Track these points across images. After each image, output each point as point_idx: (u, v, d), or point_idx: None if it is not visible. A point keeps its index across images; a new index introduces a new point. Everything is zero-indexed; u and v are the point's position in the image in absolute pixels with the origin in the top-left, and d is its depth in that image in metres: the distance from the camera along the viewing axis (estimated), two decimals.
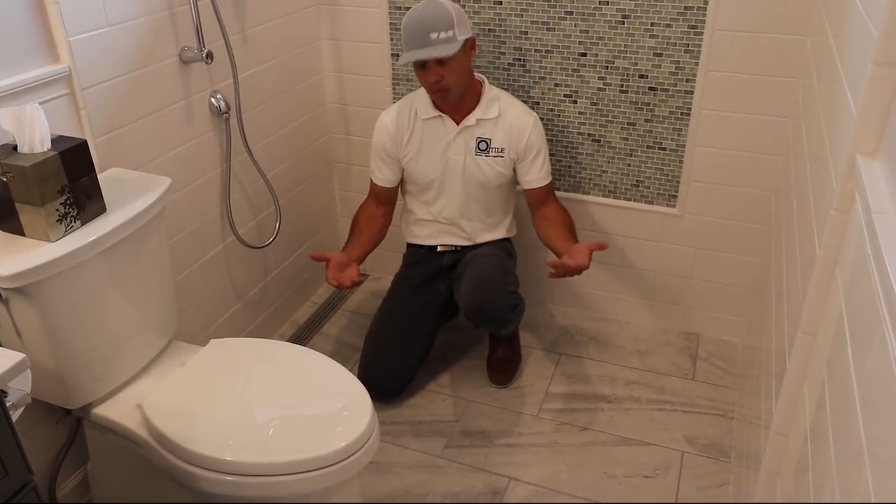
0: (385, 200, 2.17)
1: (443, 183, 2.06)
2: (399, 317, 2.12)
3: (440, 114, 2.00)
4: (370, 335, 2.13)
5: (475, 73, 2.01)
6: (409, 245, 2.24)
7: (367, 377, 1.96)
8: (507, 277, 2.03)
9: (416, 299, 2.14)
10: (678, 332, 2.39)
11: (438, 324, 2.21)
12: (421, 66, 1.88)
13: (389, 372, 2.08)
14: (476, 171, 2.03)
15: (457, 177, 2.04)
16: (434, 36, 1.82)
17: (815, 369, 1.10)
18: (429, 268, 2.17)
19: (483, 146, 2.00)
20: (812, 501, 0.96)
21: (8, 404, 0.96)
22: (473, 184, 2.05)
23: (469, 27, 1.89)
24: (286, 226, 2.33)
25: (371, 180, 2.15)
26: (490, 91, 2.01)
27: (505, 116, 1.99)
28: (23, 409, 1.02)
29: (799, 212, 1.44)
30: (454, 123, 2.00)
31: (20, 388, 1.00)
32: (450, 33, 1.82)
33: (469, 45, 1.89)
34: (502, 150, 2.00)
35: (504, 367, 2.19)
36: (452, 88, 1.91)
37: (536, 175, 2.03)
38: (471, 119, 1.99)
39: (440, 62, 1.85)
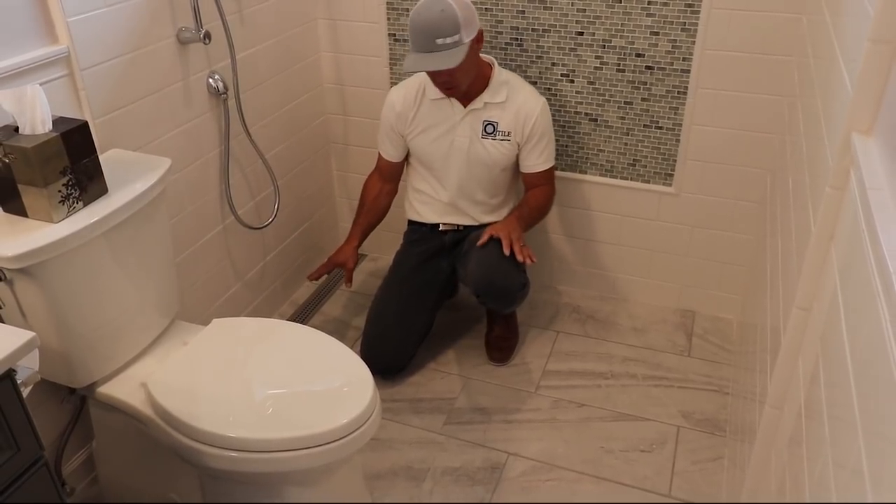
0: (389, 177, 2.20)
1: (447, 164, 2.08)
2: (401, 294, 2.14)
3: (445, 95, 2.00)
4: (372, 313, 2.15)
5: (484, 56, 2.01)
6: (411, 223, 2.25)
7: (370, 355, 1.99)
8: (515, 257, 2.05)
9: (417, 277, 2.16)
10: (674, 310, 2.42)
11: (439, 301, 2.23)
12: None
13: (392, 349, 2.10)
14: (482, 154, 2.04)
15: (461, 158, 2.05)
16: (440, 41, 1.81)
17: (809, 344, 1.12)
18: (430, 246, 2.18)
19: (490, 129, 2.01)
20: (805, 495, 0.98)
21: (18, 382, 0.97)
22: (478, 166, 2.06)
23: (476, 22, 1.87)
24: (285, 206, 2.34)
25: (379, 153, 2.18)
26: (500, 74, 2.00)
27: (513, 100, 1.99)
28: (31, 386, 1.04)
29: (794, 189, 1.45)
30: (461, 106, 2.00)
31: (29, 367, 1.02)
32: (456, 37, 1.81)
33: (476, 40, 1.88)
34: (509, 134, 2.01)
35: (502, 345, 2.22)
36: (458, 86, 1.93)
37: (535, 161, 2.04)
38: (478, 102, 1.99)
39: None
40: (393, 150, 2.14)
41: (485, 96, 1.99)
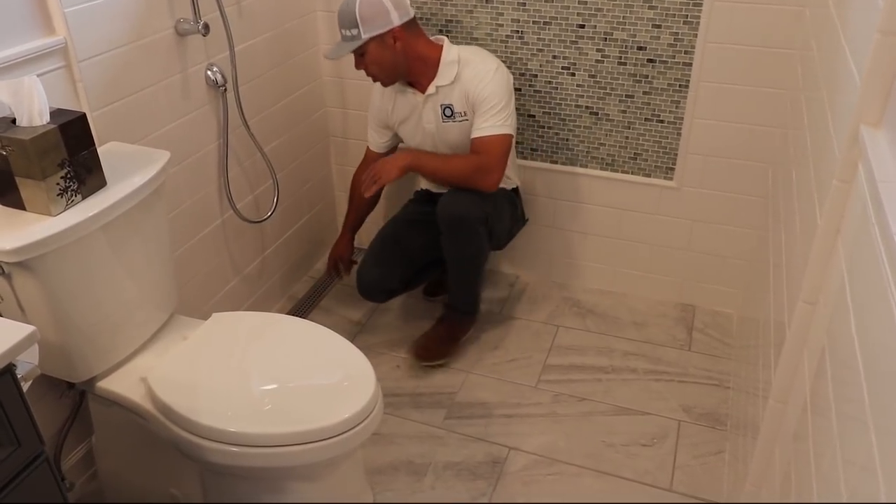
0: None
1: (429, 149, 2.10)
2: (401, 223, 2.19)
3: (407, 85, 2.03)
4: (373, 239, 2.22)
5: (435, 38, 2.01)
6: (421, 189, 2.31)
7: (359, 277, 2.14)
8: (486, 199, 1.99)
9: (420, 213, 2.21)
10: (674, 304, 2.42)
11: (435, 241, 2.17)
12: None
13: (376, 270, 2.14)
14: (449, 137, 2.05)
15: (437, 142, 2.07)
16: (344, 32, 1.91)
17: (814, 338, 1.11)
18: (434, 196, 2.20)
19: (448, 112, 2.01)
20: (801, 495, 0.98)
21: (18, 377, 0.96)
22: (455, 147, 2.06)
23: (385, 20, 1.86)
24: (284, 200, 2.32)
25: (367, 146, 2.24)
26: (448, 55, 1.97)
27: (461, 79, 1.97)
28: (31, 381, 1.03)
29: (798, 183, 1.44)
30: (420, 93, 2.02)
31: (29, 361, 1.01)
32: (354, 31, 1.88)
33: (390, 37, 1.88)
34: (465, 114, 2.00)
35: (430, 345, 2.17)
36: (377, 77, 1.98)
37: (474, 125, 1.96)
38: (431, 88, 1.99)
39: (360, 54, 1.92)
40: (380, 138, 2.20)
41: (436, 81, 1.98)
